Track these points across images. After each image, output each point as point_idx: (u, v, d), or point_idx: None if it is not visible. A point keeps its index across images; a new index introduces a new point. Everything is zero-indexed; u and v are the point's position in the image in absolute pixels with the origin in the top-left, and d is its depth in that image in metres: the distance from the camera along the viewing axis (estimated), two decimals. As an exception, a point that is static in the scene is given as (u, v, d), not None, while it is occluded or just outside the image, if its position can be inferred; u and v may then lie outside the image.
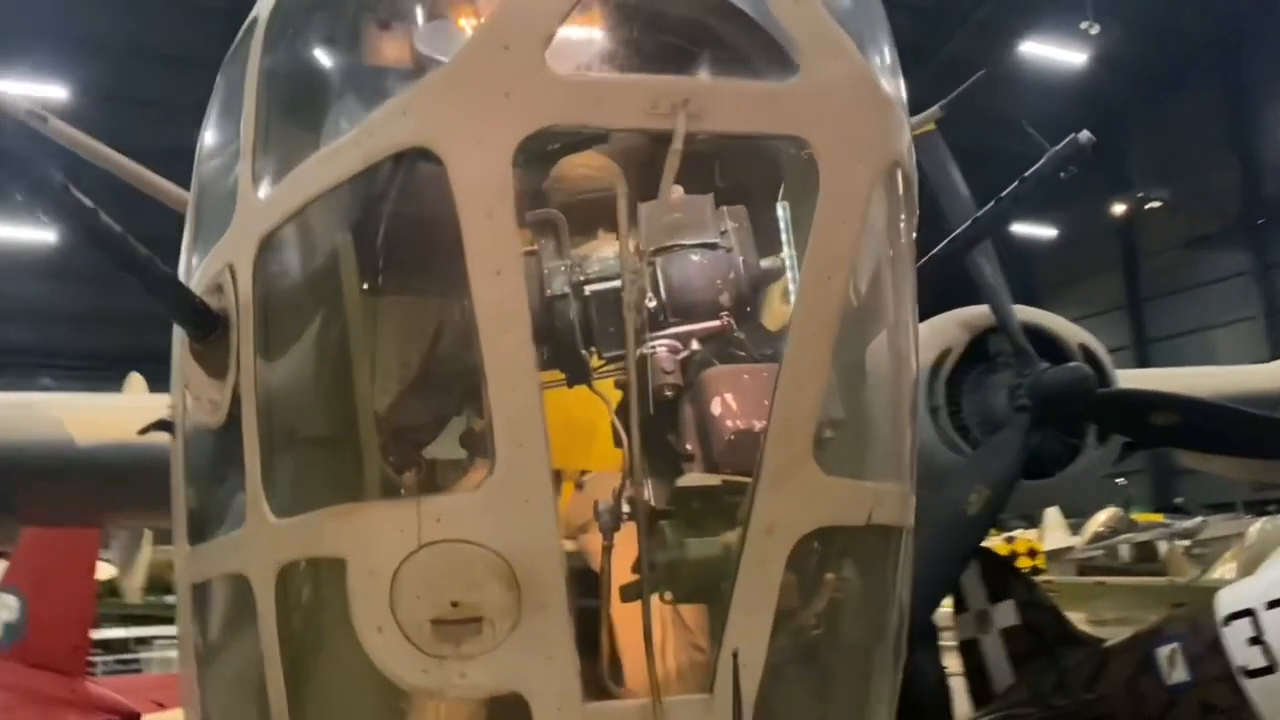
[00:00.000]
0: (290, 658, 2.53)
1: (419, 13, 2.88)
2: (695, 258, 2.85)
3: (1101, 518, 28.58)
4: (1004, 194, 3.75)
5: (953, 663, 9.70)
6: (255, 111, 2.84)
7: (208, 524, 3.12)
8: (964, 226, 3.75)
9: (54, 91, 27.28)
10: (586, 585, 2.63)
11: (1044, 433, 6.47)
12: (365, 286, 2.67)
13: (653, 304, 2.85)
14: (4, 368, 31.92)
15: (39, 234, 31.26)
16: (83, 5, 25.95)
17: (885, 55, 2.91)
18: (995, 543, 26.81)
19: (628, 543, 2.60)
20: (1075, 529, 29.13)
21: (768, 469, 2.55)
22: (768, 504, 2.53)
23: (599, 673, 2.63)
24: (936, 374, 6.74)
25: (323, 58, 2.91)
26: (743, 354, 2.97)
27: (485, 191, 2.40)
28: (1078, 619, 11.35)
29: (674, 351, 2.80)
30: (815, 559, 2.93)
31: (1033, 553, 27.05)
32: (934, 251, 3.81)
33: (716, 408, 2.77)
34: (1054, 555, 27.88)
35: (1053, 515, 28.13)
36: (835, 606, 3.03)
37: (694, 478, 2.73)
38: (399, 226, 2.61)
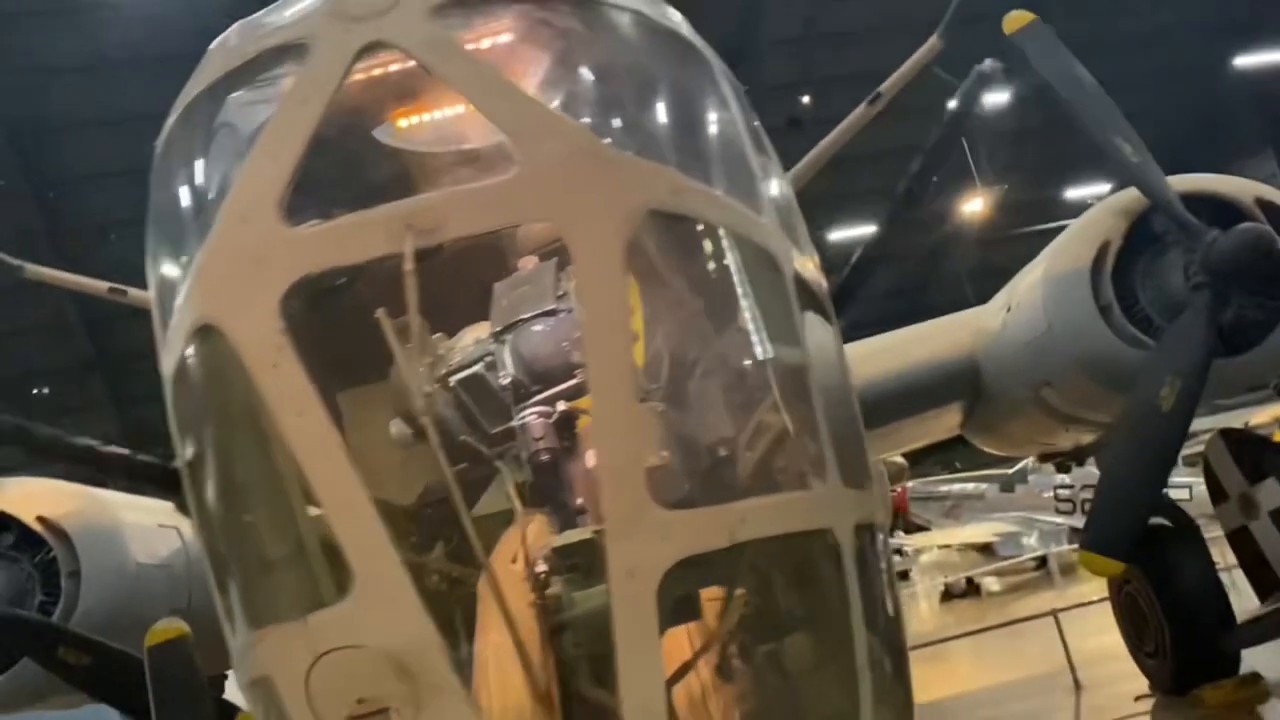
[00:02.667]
0: None
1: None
2: (538, 327, 2.94)
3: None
4: (932, 144, 3.56)
5: (1225, 556, 9.04)
6: (149, 268, 3.16)
7: None
8: (903, 184, 3.58)
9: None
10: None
11: (1235, 304, 5.96)
12: (233, 435, 2.91)
13: (506, 380, 2.96)
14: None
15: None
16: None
17: (639, 105, 3.05)
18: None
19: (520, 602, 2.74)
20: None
21: (610, 519, 2.62)
22: (620, 551, 2.60)
23: None
24: (1099, 270, 6.32)
25: (173, 225, 3.13)
26: None
27: (264, 349, 2.65)
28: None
29: (545, 417, 2.87)
30: (720, 585, 2.93)
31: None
32: (890, 213, 3.66)
33: (590, 460, 2.84)
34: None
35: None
36: (760, 623, 2.99)
37: (568, 534, 2.79)
38: (230, 385, 2.82)
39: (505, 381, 2.97)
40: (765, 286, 3.10)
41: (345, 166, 3.09)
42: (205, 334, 2.77)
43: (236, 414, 2.79)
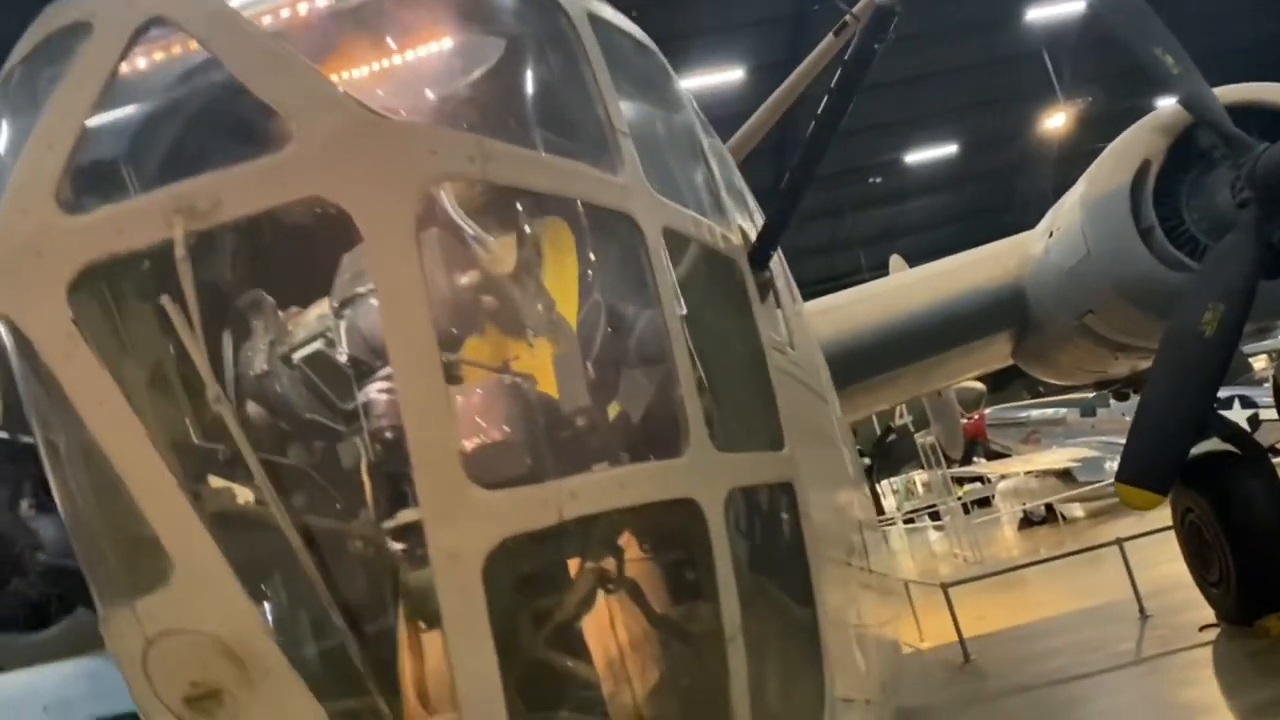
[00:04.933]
0: None
1: None
2: (375, 301, 2.80)
3: None
4: (833, 88, 3.34)
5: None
6: None
7: None
8: (808, 134, 3.37)
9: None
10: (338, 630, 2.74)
11: (1284, 220, 5.64)
12: (53, 422, 2.90)
13: (345, 358, 2.88)
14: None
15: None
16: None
17: (454, 68, 3.02)
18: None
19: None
20: None
21: (425, 503, 2.54)
22: (441, 534, 2.53)
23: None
24: (1139, 192, 6.02)
25: None
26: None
27: (56, 340, 2.64)
28: None
29: (389, 393, 2.78)
30: (564, 562, 2.85)
31: None
32: (798, 161, 3.46)
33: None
34: None
35: None
36: (614, 599, 2.90)
37: (403, 515, 2.72)
38: (39, 374, 2.76)
39: (345, 357, 2.93)
40: (617, 247, 2.97)
41: (131, 148, 3.06)
42: (5, 325, 2.76)
43: (51, 402, 2.81)
